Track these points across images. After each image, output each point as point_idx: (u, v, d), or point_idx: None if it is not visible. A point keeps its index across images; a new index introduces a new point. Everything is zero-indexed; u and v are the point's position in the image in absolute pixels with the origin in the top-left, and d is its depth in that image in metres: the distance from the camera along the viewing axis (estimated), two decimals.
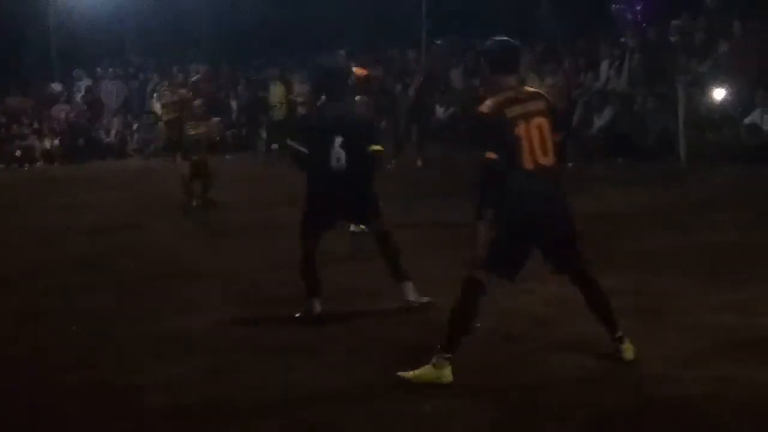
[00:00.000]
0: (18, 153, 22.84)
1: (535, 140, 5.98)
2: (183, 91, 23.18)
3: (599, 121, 17.39)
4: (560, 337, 6.86)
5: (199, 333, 7.45)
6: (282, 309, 7.92)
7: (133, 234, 11.80)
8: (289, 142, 8.08)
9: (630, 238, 9.69)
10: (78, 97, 25.25)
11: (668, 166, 15.16)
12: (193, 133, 14.39)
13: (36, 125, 23.77)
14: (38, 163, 22.83)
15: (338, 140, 7.62)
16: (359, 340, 7.08)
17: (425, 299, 7.67)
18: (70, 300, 8.69)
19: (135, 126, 24.81)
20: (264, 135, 22.88)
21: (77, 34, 25.77)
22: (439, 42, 23.36)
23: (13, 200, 16.47)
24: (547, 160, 6.02)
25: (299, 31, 24.87)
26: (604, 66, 18.37)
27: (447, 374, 5.99)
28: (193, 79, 24.33)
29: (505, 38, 6.36)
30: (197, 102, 15.20)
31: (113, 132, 24.12)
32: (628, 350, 6.21)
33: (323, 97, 8.06)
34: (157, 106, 23.66)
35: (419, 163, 17.41)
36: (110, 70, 25.77)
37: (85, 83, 25.35)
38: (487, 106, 6.08)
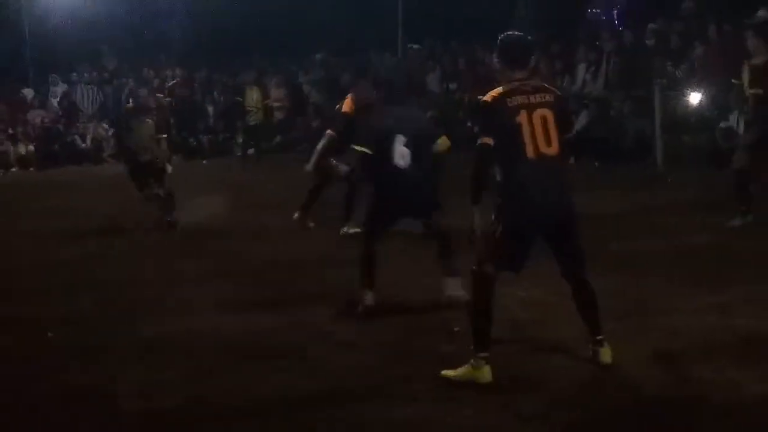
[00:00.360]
0: None
1: (538, 130, 6.04)
2: (160, 96, 23.15)
3: (576, 125, 17.42)
4: (540, 340, 6.90)
5: (178, 337, 7.42)
6: (263, 313, 7.90)
7: (112, 239, 11.75)
8: (354, 146, 8.23)
9: (609, 241, 9.71)
10: (53, 102, 25.13)
11: (645, 169, 15.22)
12: (142, 160, 12.77)
13: (10, 131, 23.62)
14: (13, 168, 22.68)
15: (402, 140, 7.77)
16: (342, 343, 7.08)
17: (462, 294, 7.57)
18: (48, 305, 8.64)
19: (111, 131, 24.70)
20: (240, 140, 22.85)
21: (51, 40, 25.64)
22: (415, 46, 23.37)
23: None
24: (551, 150, 6.06)
25: (275, 36, 24.84)
26: (580, 69, 18.42)
27: (485, 374, 6.04)
28: (169, 84, 24.28)
29: (518, 34, 6.48)
30: (149, 121, 13.04)
31: (89, 137, 24.00)
32: (606, 354, 6.23)
33: (383, 97, 8.29)
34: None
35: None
36: (85, 75, 25.66)
37: (60, 88, 25.23)
38: (490, 95, 6.16)
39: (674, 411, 5.51)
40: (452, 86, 21.18)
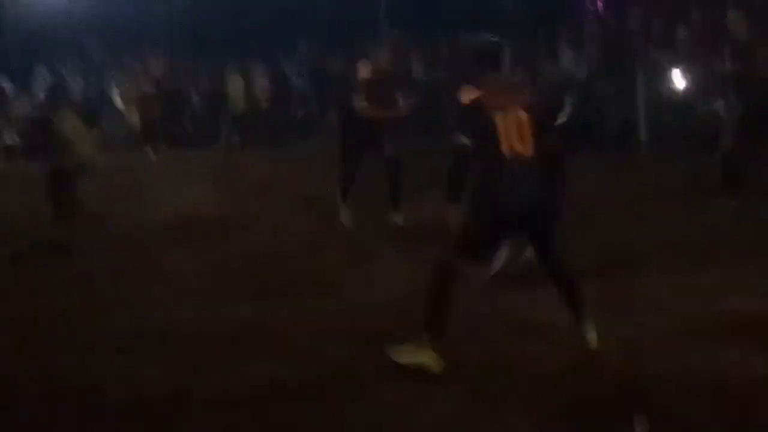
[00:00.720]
0: None
1: (513, 130, 6.12)
2: (145, 85, 23.09)
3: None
4: (525, 324, 6.94)
5: (165, 328, 7.43)
6: (250, 303, 7.92)
7: (98, 230, 11.73)
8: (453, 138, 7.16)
9: (592, 226, 9.74)
10: (38, 92, 25.02)
11: (628, 154, 15.24)
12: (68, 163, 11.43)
13: None
14: None
15: None
16: (330, 334, 7.10)
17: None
18: (35, 297, 8.66)
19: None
20: (225, 129, 22.83)
21: (34, 30, 25.54)
22: (400, 34, 23.32)
23: None
24: (525, 150, 6.14)
25: (259, 24, 24.78)
26: (563, 54, 18.39)
27: (430, 358, 6.05)
28: (155, 73, 24.20)
29: (486, 39, 6.58)
30: (73, 115, 11.69)
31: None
32: (590, 336, 6.29)
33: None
34: (117, 101, 23.52)
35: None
36: (69, 64, 25.55)
37: (45, 78, 25.12)
38: (466, 96, 6.24)
39: (661, 395, 5.55)
40: (437, 74, 21.10)
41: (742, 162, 10.68)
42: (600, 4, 19.99)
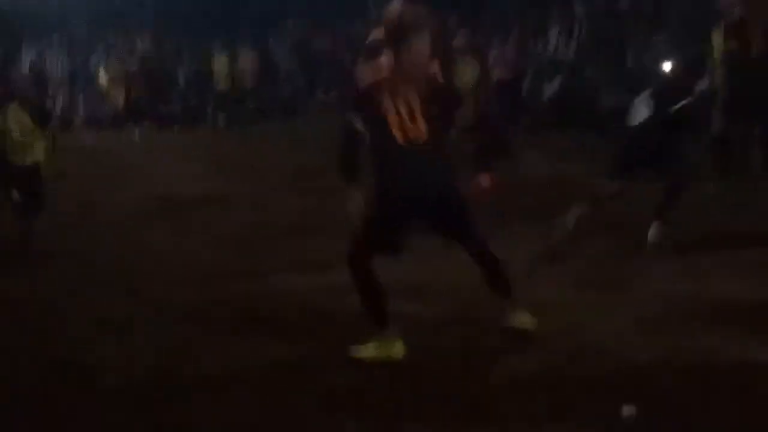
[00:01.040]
0: None
1: (405, 114, 5.87)
2: (130, 63, 22.99)
3: (549, 91, 17.39)
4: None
5: (150, 310, 7.36)
6: (239, 282, 7.85)
7: (85, 209, 11.65)
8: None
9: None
10: (22, 69, 24.89)
11: (618, 135, 15.17)
12: (20, 164, 9.98)
13: None
14: None
15: None
16: (321, 313, 7.04)
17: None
18: (22, 277, 8.61)
19: (80, 99, 24.52)
20: (210, 107, 22.76)
21: (20, 7, 25.37)
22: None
23: None
24: (419, 134, 5.88)
25: (247, 1, 24.67)
26: (553, 35, 18.36)
27: (398, 349, 5.93)
28: (139, 51, 24.10)
29: (400, 7, 6.14)
30: (24, 111, 10.02)
31: (58, 105, 23.80)
32: (516, 319, 6.15)
33: None
34: (103, 79, 23.42)
35: None
36: (55, 42, 25.43)
37: (30, 56, 25.00)
38: (365, 75, 6.16)
39: (653, 378, 5.50)
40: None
41: (732, 144, 10.62)
42: None
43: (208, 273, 8.30)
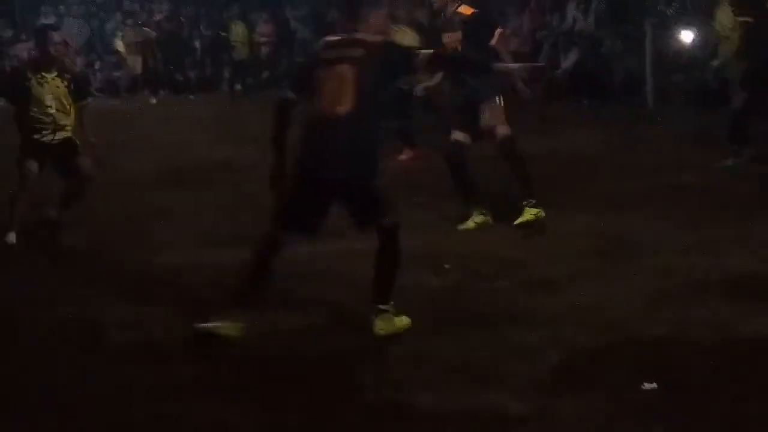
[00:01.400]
0: None
1: (335, 87, 5.70)
2: (147, 30, 22.95)
3: (565, 63, 17.33)
4: (530, 278, 6.86)
5: (164, 272, 7.37)
6: (246, 249, 7.81)
7: (99, 172, 11.63)
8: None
9: (596, 179, 9.68)
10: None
11: (635, 108, 15.15)
12: (49, 138, 8.82)
13: None
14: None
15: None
16: (325, 281, 7.02)
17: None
18: (35, 239, 8.60)
19: (97, 65, 24.52)
20: (227, 75, 22.72)
21: None
22: None
23: None
24: (344, 108, 5.66)
25: None
26: (570, 7, 18.27)
27: (235, 332, 5.65)
28: (157, 18, 24.06)
29: None
30: (60, 79, 8.81)
31: (77, 71, 23.80)
32: (380, 325, 5.83)
33: None
34: (120, 45, 23.42)
35: None
36: (74, 7, 25.42)
37: (49, 21, 24.98)
38: (314, 46, 5.97)
39: (664, 350, 5.49)
40: (437, 23, 20.93)
41: (750, 119, 10.56)
42: None
43: (221, 238, 8.27)
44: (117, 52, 23.70)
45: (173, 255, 7.83)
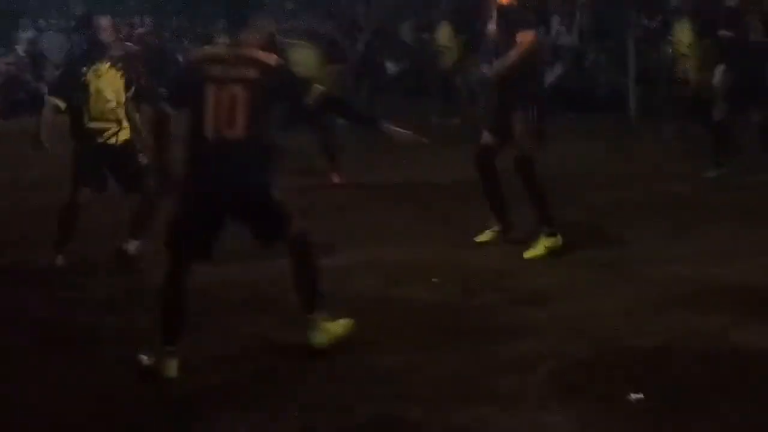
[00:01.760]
0: None
1: (224, 109, 5.38)
2: (129, 44, 22.85)
3: (550, 77, 17.37)
4: (520, 290, 6.89)
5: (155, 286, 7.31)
6: (235, 264, 7.78)
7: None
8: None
9: (583, 191, 9.70)
10: (19, 49, 24.79)
11: (619, 121, 15.20)
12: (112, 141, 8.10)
13: None
14: None
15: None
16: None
17: None
18: (27, 253, 8.55)
19: (47, 88, 24.38)
20: None
21: None
22: None
23: None
24: (234, 132, 5.39)
25: None
26: (554, 21, 18.34)
27: (170, 368, 5.47)
28: (139, 31, 24.00)
29: None
30: (117, 74, 8.07)
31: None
32: (317, 336, 5.70)
33: None
34: None
35: None
36: (53, 22, 25.35)
37: (28, 35, 24.91)
38: (191, 56, 5.73)
39: (653, 361, 5.51)
40: (426, 36, 20.98)
41: (732, 130, 10.63)
42: None
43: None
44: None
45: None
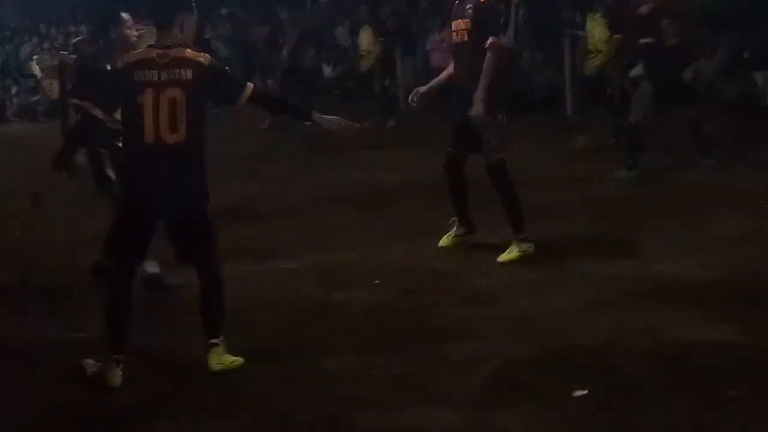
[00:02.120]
0: None
1: (163, 113, 5.31)
2: (64, 53, 22.66)
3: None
4: (460, 291, 6.91)
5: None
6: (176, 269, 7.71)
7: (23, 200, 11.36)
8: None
9: (524, 191, 9.72)
10: None
11: (556, 120, 15.30)
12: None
13: None
14: None
15: None
16: (267, 302, 6.96)
17: None
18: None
19: (14, 90, 24.19)
20: None
21: None
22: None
23: None
24: (175, 137, 5.34)
25: None
26: None
27: (115, 377, 5.43)
28: (74, 40, 23.78)
29: None
30: None
31: None
32: (214, 361, 5.59)
33: None
34: (36, 69, 23.12)
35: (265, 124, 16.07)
36: None
37: None
38: (120, 61, 5.58)
39: (597, 357, 5.55)
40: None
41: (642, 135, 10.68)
42: None
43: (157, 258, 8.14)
44: (33, 76, 23.39)
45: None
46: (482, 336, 5.96)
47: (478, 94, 7.45)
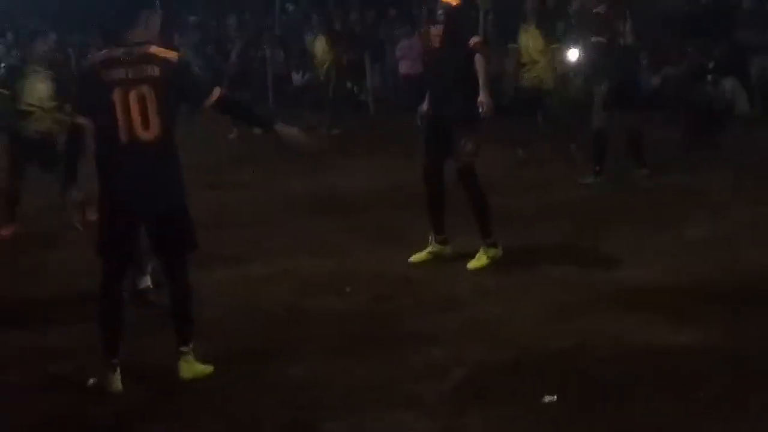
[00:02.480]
0: None
1: (135, 111, 5.30)
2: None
3: None
4: (430, 297, 6.94)
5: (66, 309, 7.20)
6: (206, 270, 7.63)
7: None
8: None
9: (493, 196, 9.74)
10: None
11: (526, 125, 15.31)
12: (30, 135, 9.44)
13: None
14: None
15: None
16: (237, 308, 6.95)
17: None
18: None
19: None
20: None
21: None
22: (292, 7, 23.22)
23: None
24: (148, 134, 5.33)
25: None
26: None
27: (114, 382, 5.51)
28: (40, 51, 23.64)
29: None
30: (48, 79, 9.67)
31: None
32: (184, 369, 5.64)
33: None
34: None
35: (233, 134, 16.14)
36: None
37: None
38: (87, 63, 5.62)
39: (565, 362, 5.59)
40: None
41: (608, 140, 10.69)
42: None
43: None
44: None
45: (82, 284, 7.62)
46: (453, 342, 5.98)
47: (482, 96, 7.40)
